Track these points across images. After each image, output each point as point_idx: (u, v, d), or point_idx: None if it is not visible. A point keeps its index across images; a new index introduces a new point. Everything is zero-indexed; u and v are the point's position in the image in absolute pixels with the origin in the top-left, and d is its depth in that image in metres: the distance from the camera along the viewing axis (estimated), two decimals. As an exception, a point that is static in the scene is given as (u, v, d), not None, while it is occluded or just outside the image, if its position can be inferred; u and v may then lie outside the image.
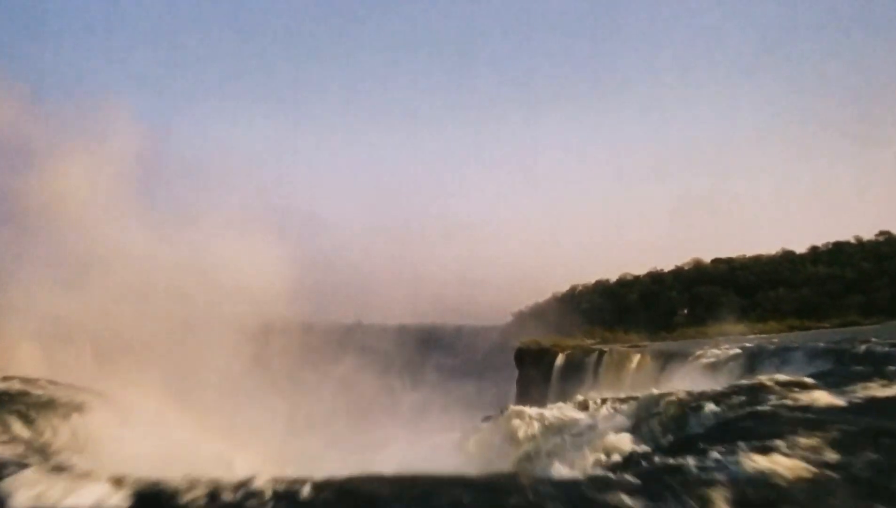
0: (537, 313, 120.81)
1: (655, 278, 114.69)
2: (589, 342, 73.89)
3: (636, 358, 34.63)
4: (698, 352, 32.30)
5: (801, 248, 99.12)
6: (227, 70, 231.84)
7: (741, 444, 12.75)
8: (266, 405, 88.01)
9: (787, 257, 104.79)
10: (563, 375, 37.28)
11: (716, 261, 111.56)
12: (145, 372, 65.26)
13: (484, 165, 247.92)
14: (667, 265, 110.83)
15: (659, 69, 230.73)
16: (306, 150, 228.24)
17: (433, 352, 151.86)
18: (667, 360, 33.36)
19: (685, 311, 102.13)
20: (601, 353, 36.15)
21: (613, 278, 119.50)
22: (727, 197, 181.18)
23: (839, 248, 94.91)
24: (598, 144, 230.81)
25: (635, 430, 19.82)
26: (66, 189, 66.24)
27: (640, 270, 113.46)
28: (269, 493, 11.84)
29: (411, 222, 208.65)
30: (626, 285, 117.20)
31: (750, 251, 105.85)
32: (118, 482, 12.08)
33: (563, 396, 36.00)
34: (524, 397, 40.68)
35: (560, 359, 37.85)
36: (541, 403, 36.62)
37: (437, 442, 50.41)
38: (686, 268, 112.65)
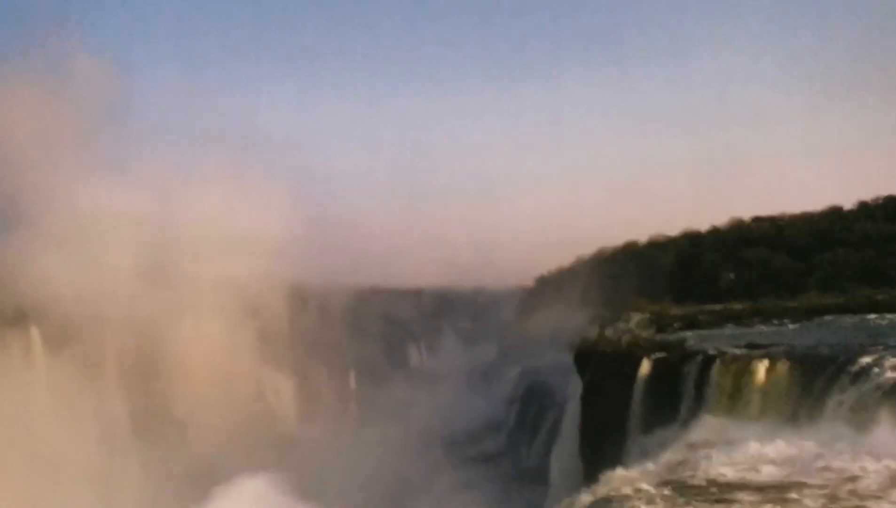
0: (561, 280, 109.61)
1: (692, 239, 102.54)
2: (635, 316, 63.39)
3: (762, 368, 23.99)
4: (863, 360, 21.82)
5: (846, 203, 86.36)
6: (249, 28, 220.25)
7: None
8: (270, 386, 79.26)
9: (836, 214, 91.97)
10: (650, 391, 26.46)
11: (758, 220, 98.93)
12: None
13: (505, 123, 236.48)
14: (702, 225, 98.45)
15: (685, 20, 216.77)
16: (325, 111, 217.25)
17: (450, 317, 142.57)
18: (812, 371, 22.80)
19: (732, 276, 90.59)
20: (707, 359, 25.35)
21: (643, 239, 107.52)
22: (755, 150, 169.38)
23: (894, 201, 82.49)
24: (622, 99, 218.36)
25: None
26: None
27: (672, 230, 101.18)
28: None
29: (429, 183, 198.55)
30: (659, 247, 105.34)
31: (784, 208, 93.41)
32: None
33: (651, 423, 25.60)
34: (593, 420, 29.22)
35: (645, 367, 26.73)
36: (618, 432, 26.30)
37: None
38: (725, 228, 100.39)
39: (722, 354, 25.64)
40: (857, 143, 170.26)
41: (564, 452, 32.97)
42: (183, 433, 57.86)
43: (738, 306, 67.34)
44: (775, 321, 43.06)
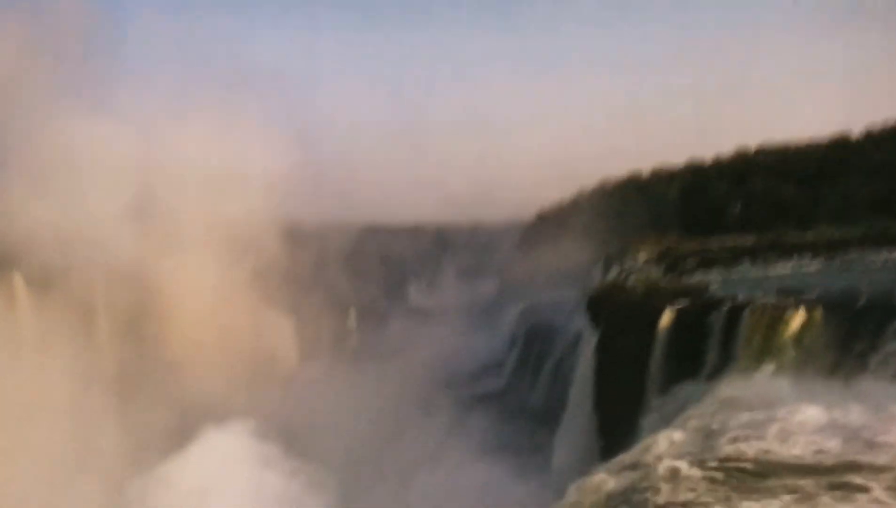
0: (563, 214, 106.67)
1: (696, 170, 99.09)
2: (643, 252, 60.86)
3: (797, 318, 21.46)
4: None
5: (854, 130, 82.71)
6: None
7: None
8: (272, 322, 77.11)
9: (843, 142, 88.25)
10: (673, 344, 23.80)
11: (763, 148, 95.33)
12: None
13: (504, 58, 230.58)
14: (706, 155, 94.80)
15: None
16: (322, 45, 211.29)
17: (450, 254, 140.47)
18: (853, 321, 20.32)
19: (738, 208, 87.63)
20: (735, 309, 22.68)
21: (646, 171, 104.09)
22: (757, 78, 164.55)
23: (901, 128, 78.75)
24: (622, 30, 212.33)
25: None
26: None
27: (676, 161, 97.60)
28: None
29: (428, 118, 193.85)
30: (663, 178, 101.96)
31: (790, 136, 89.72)
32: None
33: (673, 380, 23.14)
34: (608, 376, 26.51)
35: (667, 318, 23.94)
36: (636, 389, 23.88)
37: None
38: (730, 158, 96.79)
39: (751, 302, 23.11)
40: (862, 69, 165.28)
41: (577, 409, 30.57)
42: (177, 377, 55.52)
43: (749, 239, 64.66)
44: (795, 258, 40.40)
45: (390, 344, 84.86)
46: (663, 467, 14.63)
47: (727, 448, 15.49)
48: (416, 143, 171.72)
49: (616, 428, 23.80)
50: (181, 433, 41.23)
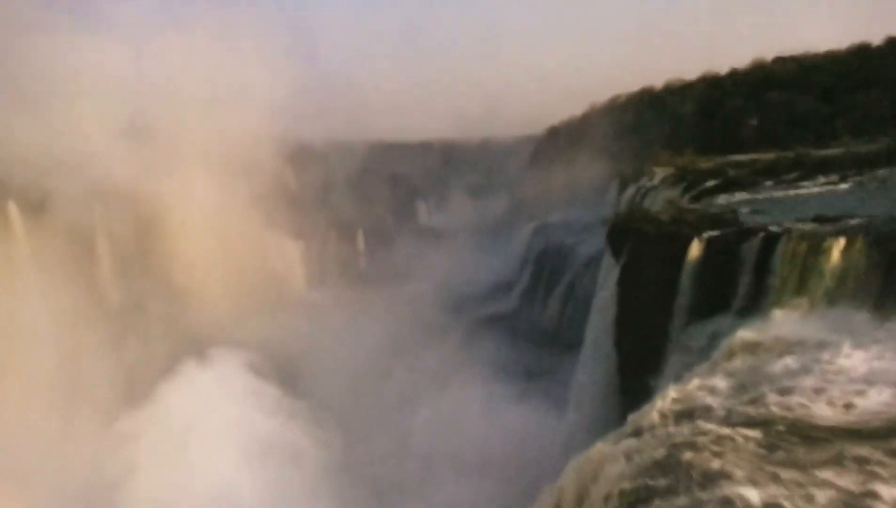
0: (574, 130, 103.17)
1: (711, 83, 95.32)
2: (659, 170, 58.32)
3: (836, 249, 19.33)
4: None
5: (874, 39, 78.97)
6: None
7: None
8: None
9: (863, 52, 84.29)
10: (701, 276, 21.64)
11: (780, 60, 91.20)
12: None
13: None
14: (721, 68, 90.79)
15: None
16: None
17: (458, 171, 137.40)
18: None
19: (755, 122, 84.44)
20: (769, 239, 20.50)
21: (660, 85, 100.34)
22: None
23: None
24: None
25: None
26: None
27: (691, 74, 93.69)
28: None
29: (435, 33, 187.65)
30: (677, 92, 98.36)
31: (808, 47, 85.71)
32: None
33: (701, 316, 21.19)
34: (631, 311, 24.45)
35: (695, 250, 21.71)
36: (662, 326, 21.93)
37: None
38: (746, 70, 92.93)
39: (787, 231, 20.97)
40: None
41: (595, 346, 28.75)
42: (179, 304, 54.08)
43: (768, 156, 61.75)
44: (820, 177, 37.91)
45: (399, 266, 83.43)
46: (687, 431, 12.82)
47: (762, 406, 13.65)
48: (424, 59, 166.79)
49: (639, 366, 22.10)
50: (182, 363, 39.98)
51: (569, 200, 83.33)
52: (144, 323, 51.47)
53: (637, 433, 13.67)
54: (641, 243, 23.35)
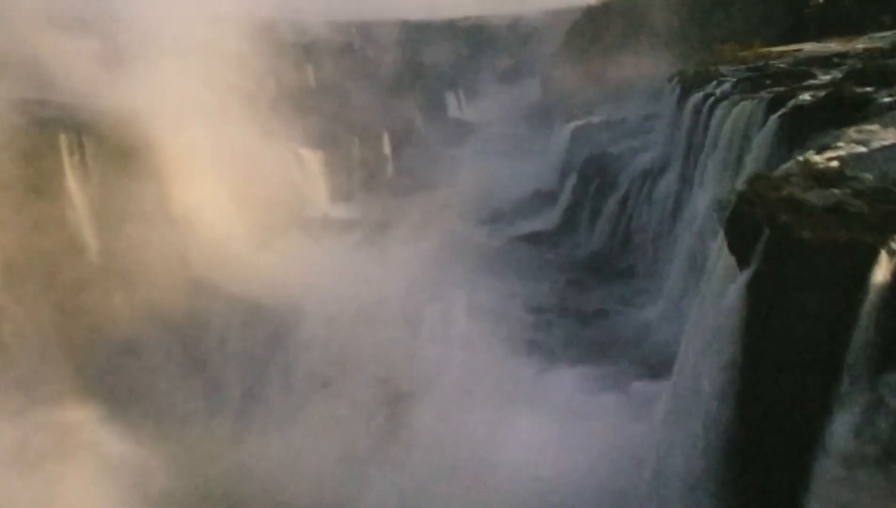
0: (606, 12, 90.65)
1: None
2: (724, 62, 48.31)
3: None
4: None
5: None
6: None
7: None
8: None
9: None
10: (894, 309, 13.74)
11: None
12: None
13: None
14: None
15: None
16: None
17: (488, 54, 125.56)
18: None
19: (821, 0, 73.25)
20: None
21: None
22: None
23: None
24: None
25: None
26: None
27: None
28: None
29: None
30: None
31: None
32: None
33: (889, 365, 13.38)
34: (770, 348, 16.38)
35: (884, 269, 13.64)
36: (823, 378, 14.00)
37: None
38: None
39: None
40: None
41: (695, 398, 19.55)
42: (184, 234, 45.34)
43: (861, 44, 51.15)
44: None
45: (429, 170, 74.67)
46: None
47: None
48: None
49: (778, 439, 14.54)
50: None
51: (608, 95, 73.07)
52: (148, 252, 42.82)
53: None
54: (786, 249, 14.95)
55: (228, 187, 50.72)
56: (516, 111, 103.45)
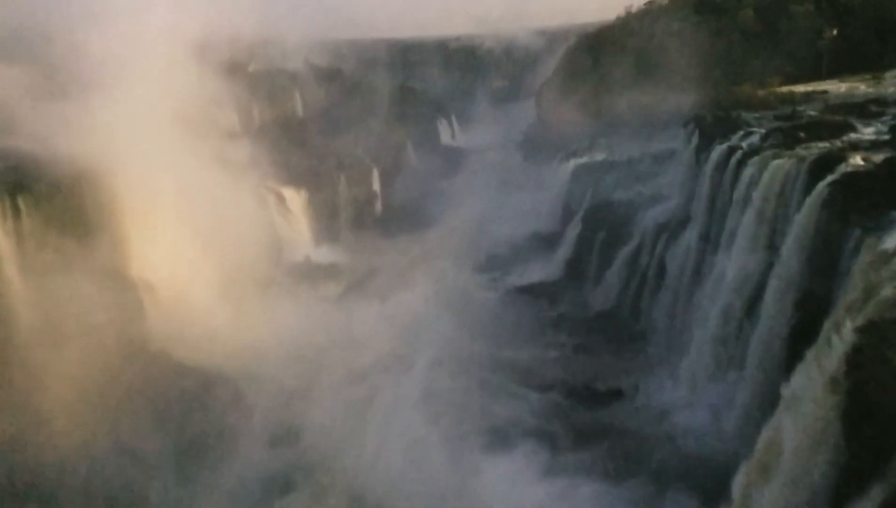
0: (605, 41, 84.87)
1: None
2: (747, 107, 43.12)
3: None
4: None
5: None
6: None
7: None
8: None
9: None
10: None
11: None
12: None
13: None
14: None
15: None
16: None
17: (481, 78, 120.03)
18: None
19: (834, 32, 68.33)
20: None
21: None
22: None
23: None
24: None
25: None
26: None
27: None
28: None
29: None
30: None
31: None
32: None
33: None
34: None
35: None
36: None
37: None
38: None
39: None
40: None
41: None
42: (140, 300, 38.55)
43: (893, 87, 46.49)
44: None
45: (420, 207, 68.91)
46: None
47: None
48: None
49: None
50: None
51: (608, 128, 67.54)
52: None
53: None
54: None
55: (194, 239, 43.99)
56: (511, 136, 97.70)
